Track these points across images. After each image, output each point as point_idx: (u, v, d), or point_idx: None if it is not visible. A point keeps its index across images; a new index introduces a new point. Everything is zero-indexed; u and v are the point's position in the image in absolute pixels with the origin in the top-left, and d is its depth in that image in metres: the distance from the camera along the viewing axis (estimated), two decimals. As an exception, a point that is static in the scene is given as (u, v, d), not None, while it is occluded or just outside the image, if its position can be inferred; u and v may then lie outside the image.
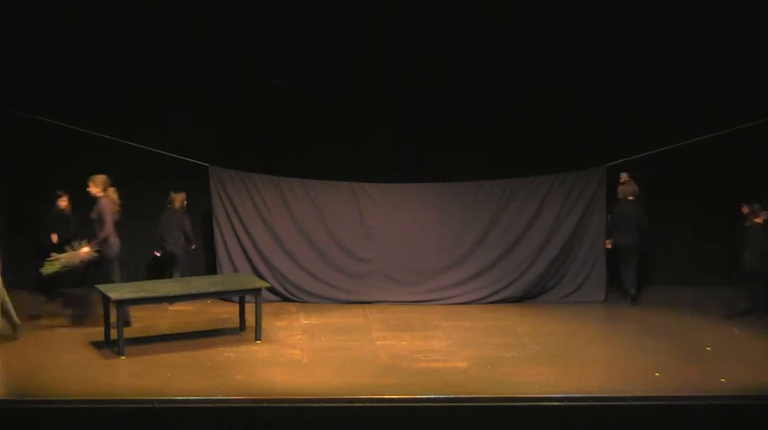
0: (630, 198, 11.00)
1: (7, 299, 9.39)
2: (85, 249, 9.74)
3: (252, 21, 11.02)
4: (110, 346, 9.36)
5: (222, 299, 10.78)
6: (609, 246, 11.07)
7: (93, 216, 9.83)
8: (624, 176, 11.09)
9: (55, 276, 10.12)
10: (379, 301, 10.98)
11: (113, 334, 9.32)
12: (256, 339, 9.66)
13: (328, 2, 10.91)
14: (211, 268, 11.15)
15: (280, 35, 11.08)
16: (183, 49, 10.85)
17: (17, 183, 11.12)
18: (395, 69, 11.07)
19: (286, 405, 8.07)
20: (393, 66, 11.05)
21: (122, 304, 9.20)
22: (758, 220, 10.36)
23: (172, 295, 9.55)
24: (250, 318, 9.84)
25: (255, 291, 9.71)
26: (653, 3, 10.95)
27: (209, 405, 8.05)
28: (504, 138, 11.24)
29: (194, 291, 9.67)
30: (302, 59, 11.10)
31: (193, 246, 10.94)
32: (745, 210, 10.46)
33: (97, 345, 9.43)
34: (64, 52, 10.75)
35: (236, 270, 10.88)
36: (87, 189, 9.83)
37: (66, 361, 9.02)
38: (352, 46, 10.99)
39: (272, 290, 10.68)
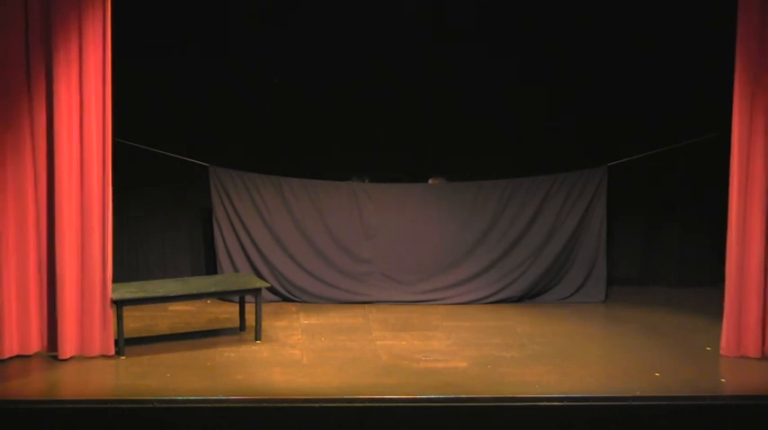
0: None
1: None
2: None
3: (252, 20, 11.03)
4: (110, 346, 9.37)
5: (222, 299, 10.79)
6: None
7: None
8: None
9: None
10: (379, 301, 10.98)
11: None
12: (256, 339, 9.66)
13: (328, 1, 10.92)
14: (211, 268, 11.16)
15: (280, 34, 11.09)
16: (183, 48, 10.86)
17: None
18: (395, 69, 11.08)
19: (286, 405, 8.08)
20: (393, 65, 11.07)
21: (122, 304, 9.22)
22: None
23: (172, 295, 9.56)
24: (250, 318, 9.85)
25: (255, 291, 9.71)
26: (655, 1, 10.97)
27: (209, 405, 8.05)
28: (504, 138, 11.26)
29: (194, 291, 9.68)
30: (303, 59, 11.10)
31: None
32: None
33: (97, 345, 9.44)
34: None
35: (236, 270, 10.89)
36: None
37: (66, 361, 9.01)
38: (353, 46, 11.01)
39: (272, 290, 10.68)
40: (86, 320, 9.04)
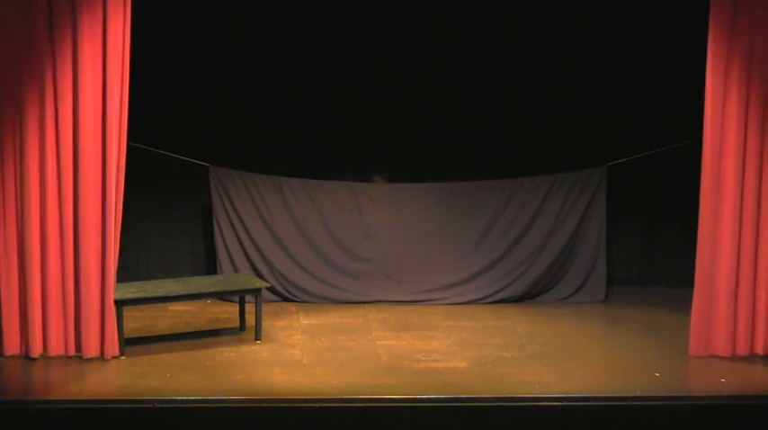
0: None
1: None
2: None
3: (252, 20, 11.03)
4: (110, 346, 9.37)
5: (222, 299, 10.79)
6: None
7: None
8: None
9: None
10: (378, 301, 10.99)
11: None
12: (256, 339, 9.67)
13: (329, 1, 10.92)
14: (211, 268, 11.16)
15: (280, 34, 11.09)
16: (183, 46, 10.86)
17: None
18: (395, 69, 11.08)
19: (286, 405, 8.08)
20: (393, 65, 11.07)
21: (122, 304, 9.21)
22: None
23: (172, 295, 9.56)
24: (250, 318, 9.85)
25: (255, 291, 9.71)
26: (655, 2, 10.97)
27: (209, 405, 8.05)
28: (504, 138, 11.27)
29: (194, 291, 9.68)
30: (303, 59, 11.11)
31: None
32: None
33: (97, 345, 9.44)
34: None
35: (236, 270, 10.89)
36: None
37: (66, 360, 9.01)
38: (353, 46, 11.01)
39: (272, 290, 10.68)
40: (107, 320, 9.05)
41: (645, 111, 11.23)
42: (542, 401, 8.18)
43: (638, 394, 8.27)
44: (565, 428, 8.09)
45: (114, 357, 9.05)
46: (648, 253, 11.67)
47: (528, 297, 11.13)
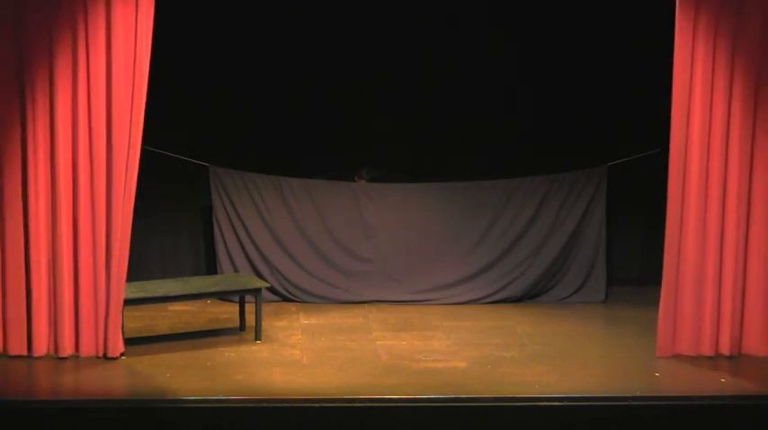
0: None
1: None
2: None
3: (253, 20, 11.04)
4: (110, 346, 9.37)
5: (222, 299, 10.80)
6: None
7: None
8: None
9: None
10: (379, 301, 10.99)
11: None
12: (256, 339, 9.67)
13: (329, 1, 10.92)
14: (211, 268, 11.16)
15: (281, 34, 11.10)
16: (183, 46, 10.86)
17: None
18: (395, 69, 11.09)
19: (286, 405, 8.08)
20: (393, 65, 11.08)
21: (122, 304, 9.21)
22: None
23: (172, 295, 9.57)
24: (250, 318, 9.85)
25: (255, 291, 9.72)
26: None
27: (209, 405, 8.05)
28: (504, 138, 11.28)
29: (194, 291, 9.69)
30: (303, 59, 11.11)
31: None
32: None
33: (97, 345, 9.44)
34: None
35: (236, 270, 10.90)
36: None
37: (66, 360, 9.01)
38: (354, 45, 11.02)
39: (272, 290, 10.69)
40: (117, 319, 9.08)
41: (645, 111, 11.23)
42: (542, 401, 8.18)
43: (638, 394, 8.27)
44: (565, 428, 8.09)
45: (114, 357, 9.07)
46: (648, 253, 11.66)
47: (528, 297, 11.13)
